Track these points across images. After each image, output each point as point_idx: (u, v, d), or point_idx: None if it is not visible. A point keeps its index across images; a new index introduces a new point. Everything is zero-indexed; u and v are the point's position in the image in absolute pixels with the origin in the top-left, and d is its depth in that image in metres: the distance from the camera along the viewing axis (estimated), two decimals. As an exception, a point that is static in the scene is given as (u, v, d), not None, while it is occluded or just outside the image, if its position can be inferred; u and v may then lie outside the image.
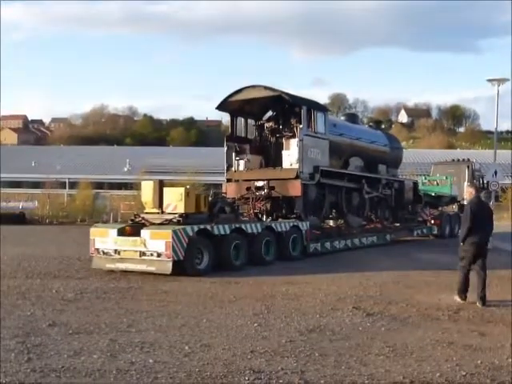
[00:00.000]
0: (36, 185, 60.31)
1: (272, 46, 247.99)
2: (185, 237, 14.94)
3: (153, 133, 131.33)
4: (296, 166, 20.15)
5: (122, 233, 15.85)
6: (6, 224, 37.54)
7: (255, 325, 9.47)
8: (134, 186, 48.39)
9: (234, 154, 21.95)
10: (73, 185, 61.54)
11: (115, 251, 15.64)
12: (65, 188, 62.24)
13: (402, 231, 27.40)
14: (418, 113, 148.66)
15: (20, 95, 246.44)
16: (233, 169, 21.94)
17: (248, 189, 20.88)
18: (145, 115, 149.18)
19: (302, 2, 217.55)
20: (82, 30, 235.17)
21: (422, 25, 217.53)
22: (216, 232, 16.06)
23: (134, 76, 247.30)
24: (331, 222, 24.53)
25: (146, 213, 16.71)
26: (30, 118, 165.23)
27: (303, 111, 20.48)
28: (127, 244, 15.49)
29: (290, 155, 20.46)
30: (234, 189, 21.43)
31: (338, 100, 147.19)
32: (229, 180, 21.98)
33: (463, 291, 11.79)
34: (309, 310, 10.82)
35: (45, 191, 53.14)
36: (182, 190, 16.37)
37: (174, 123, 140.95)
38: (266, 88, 20.87)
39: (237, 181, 21.55)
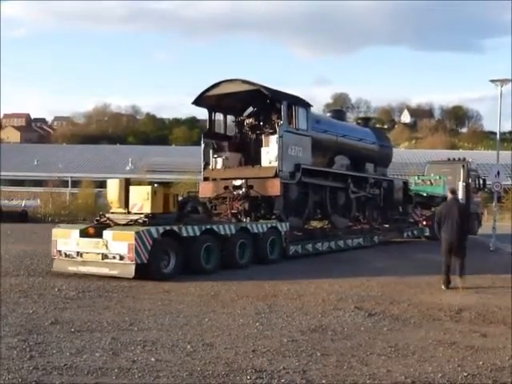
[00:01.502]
0: (38, 183, 60.35)
1: (275, 45, 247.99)
2: (149, 238, 14.13)
3: (155, 131, 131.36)
4: (275, 164, 19.24)
5: (84, 234, 14.99)
6: (9, 222, 37.58)
7: (257, 324, 9.48)
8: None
9: (211, 151, 21.13)
10: (75, 183, 61.54)
11: (77, 253, 14.91)
12: (67, 186, 62.17)
13: (391, 232, 26.61)
14: (421, 113, 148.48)
15: (23, 94, 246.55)
16: (210, 167, 21.13)
17: (226, 188, 19.95)
18: (147, 114, 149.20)
19: (306, 0, 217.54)
20: (84, 27, 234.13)
21: (426, 24, 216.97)
22: (184, 233, 15.19)
23: (136, 74, 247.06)
24: (315, 223, 23.87)
25: (112, 213, 15.90)
26: (32, 117, 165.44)
27: (283, 106, 19.54)
28: (89, 246, 14.69)
29: (269, 153, 19.61)
30: (210, 188, 20.61)
31: (341, 100, 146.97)
32: (206, 179, 21.20)
33: (445, 280, 13.85)
34: (311, 309, 10.84)
35: (47, 189, 53.22)
36: (148, 188, 15.52)
37: (176, 122, 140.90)
38: (243, 82, 20.02)
39: (214, 179, 20.73)
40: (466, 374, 6.94)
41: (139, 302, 11.37)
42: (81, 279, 14.26)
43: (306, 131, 20.58)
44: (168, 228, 14.87)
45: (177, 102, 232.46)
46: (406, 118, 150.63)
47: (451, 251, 14.02)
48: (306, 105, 20.96)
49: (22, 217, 43.46)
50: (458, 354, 7.82)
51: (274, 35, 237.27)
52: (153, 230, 14.33)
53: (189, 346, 7.98)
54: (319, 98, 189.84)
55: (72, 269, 15.01)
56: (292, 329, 9.21)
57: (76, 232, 15.08)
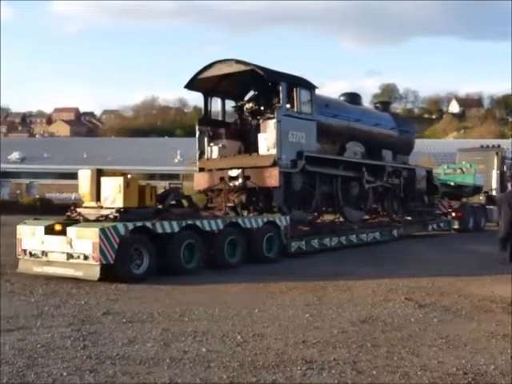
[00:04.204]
0: (88, 176, 61.04)
1: (324, 38, 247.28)
2: (115, 236, 12.59)
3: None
4: (273, 151, 17.44)
5: (49, 231, 13.53)
6: (60, 214, 38.16)
7: (307, 315, 9.48)
8: (184, 177, 48.80)
9: (206, 139, 19.38)
10: (124, 176, 62.12)
11: (42, 253, 13.49)
12: (116, 179, 62.79)
13: (414, 225, 24.61)
14: (470, 102, 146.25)
15: (72, 88, 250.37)
16: (205, 156, 19.45)
17: (221, 179, 18.26)
18: (195, 107, 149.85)
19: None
20: (134, 22, 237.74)
21: (475, 13, 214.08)
22: (160, 230, 13.59)
23: (184, 68, 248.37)
24: (331, 218, 22.12)
25: (85, 207, 14.48)
26: (81, 111, 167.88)
27: (282, 88, 17.71)
28: (54, 244, 13.25)
29: (267, 139, 17.77)
30: (205, 179, 19.01)
31: (389, 90, 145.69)
32: (201, 169, 19.48)
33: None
34: (360, 300, 10.79)
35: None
36: (120, 180, 13.84)
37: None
38: (237, 62, 18.14)
39: (210, 170, 19.14)
40: (519, 366, 6.85)
41: (188, 295, 11.47)
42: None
43: (310, 115, 18.66)
44: (139, 224, 13.32)
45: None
46: (454, 107, 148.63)
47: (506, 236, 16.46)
48: (309, 86, 18.95)
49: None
50: (510, 346, 7.70)
51: (324, 28, 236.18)
52: (120, 226, 12.83)
53: (239, 337, 8.03)
54: (369, 89, 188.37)
55: (37, 270, 13.69)
56: (342, 320, 9.19)
57: (41, 229, 13.66)
